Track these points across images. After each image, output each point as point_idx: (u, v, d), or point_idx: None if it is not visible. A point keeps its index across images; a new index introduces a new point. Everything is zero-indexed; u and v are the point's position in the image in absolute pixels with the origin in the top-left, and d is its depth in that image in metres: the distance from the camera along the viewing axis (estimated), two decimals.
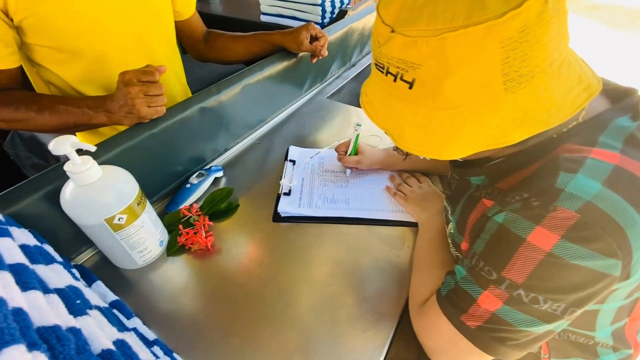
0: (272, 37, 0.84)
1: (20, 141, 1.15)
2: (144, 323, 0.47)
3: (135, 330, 0.42)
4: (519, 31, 0.27)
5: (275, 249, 0.59)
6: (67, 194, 0.45)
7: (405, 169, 0.72)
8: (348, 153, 0.69)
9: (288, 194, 0.68)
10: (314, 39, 0.82)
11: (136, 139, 0.58)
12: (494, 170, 0.40)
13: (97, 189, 0.45)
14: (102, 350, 0.23)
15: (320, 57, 0.85)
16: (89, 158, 0.44)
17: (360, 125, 0.66)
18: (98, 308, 0.35)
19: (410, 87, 0.32)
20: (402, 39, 0.30)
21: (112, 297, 0.48)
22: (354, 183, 0.70)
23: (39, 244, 0.39)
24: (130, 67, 0.57)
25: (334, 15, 1.29)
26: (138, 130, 0.59)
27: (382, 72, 0.34)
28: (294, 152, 0.79)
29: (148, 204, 0.53)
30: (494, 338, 0.35)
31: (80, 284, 0.39)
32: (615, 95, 0.38)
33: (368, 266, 0.56)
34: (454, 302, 0.38)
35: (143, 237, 0.51)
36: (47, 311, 0.23)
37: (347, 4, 1.32)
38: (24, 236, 0.38)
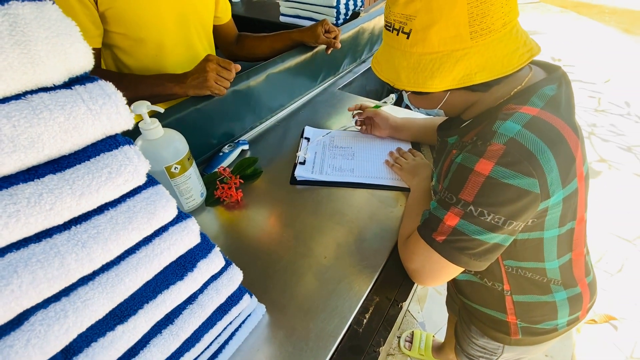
0: (292, 34, 0.98)
1: None
2: None
3: None
4: None
5: (292, 204, 0.72)
6: (138, 146, 0.59)
7: (408, 139, 0.87)
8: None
9: (303, 163, 0.81)
10: (327, 33, 0.96)
11: (184, 112, 0.73)
12: (463, 130, 0.53)
13: (160, 144, 0.60)
14: None
15: (334, 48, 0.99)
16: (155, 120, 0.59)
17: (392, 98, 0.84)
18: None
19: (408, 37, 0.45)
20: None
21: None
22: (358, 156, 0.83)
23: None
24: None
25: (348, 17, 1.42)
26: (186, 104, 0.74)
27: (390, 30, 0.47)
28: (309, 131, 0.92)
29: (194, 162, 0.67)
30: (456, 248, 0.47)
31: None
32: (550, 69, 0.52)
33: (367, 218, 0.68)
34: (427, 225, 0.51)
35: (190, 187, 0.66)
36: None
37: (361, 7, 1.44)
38: None
